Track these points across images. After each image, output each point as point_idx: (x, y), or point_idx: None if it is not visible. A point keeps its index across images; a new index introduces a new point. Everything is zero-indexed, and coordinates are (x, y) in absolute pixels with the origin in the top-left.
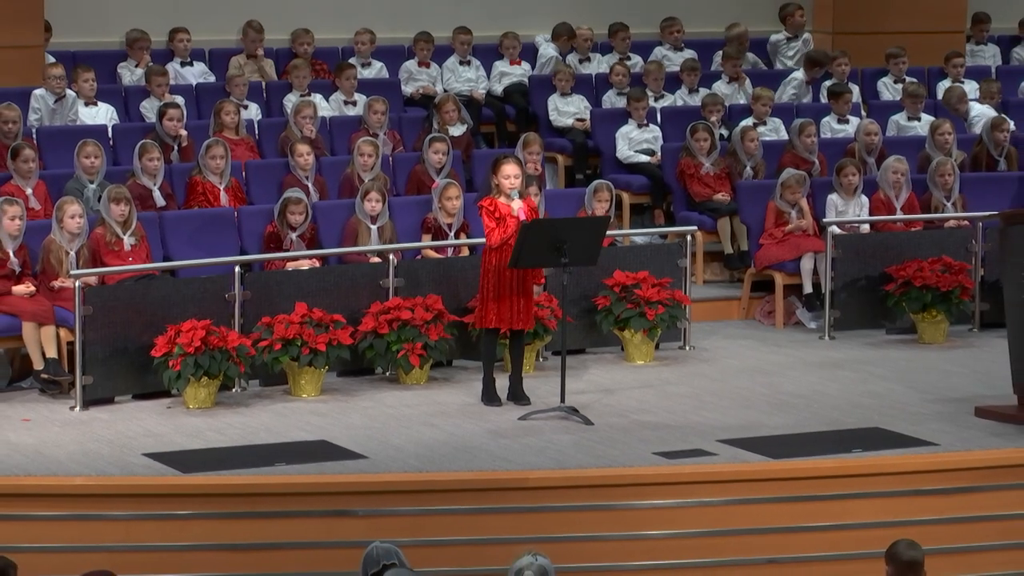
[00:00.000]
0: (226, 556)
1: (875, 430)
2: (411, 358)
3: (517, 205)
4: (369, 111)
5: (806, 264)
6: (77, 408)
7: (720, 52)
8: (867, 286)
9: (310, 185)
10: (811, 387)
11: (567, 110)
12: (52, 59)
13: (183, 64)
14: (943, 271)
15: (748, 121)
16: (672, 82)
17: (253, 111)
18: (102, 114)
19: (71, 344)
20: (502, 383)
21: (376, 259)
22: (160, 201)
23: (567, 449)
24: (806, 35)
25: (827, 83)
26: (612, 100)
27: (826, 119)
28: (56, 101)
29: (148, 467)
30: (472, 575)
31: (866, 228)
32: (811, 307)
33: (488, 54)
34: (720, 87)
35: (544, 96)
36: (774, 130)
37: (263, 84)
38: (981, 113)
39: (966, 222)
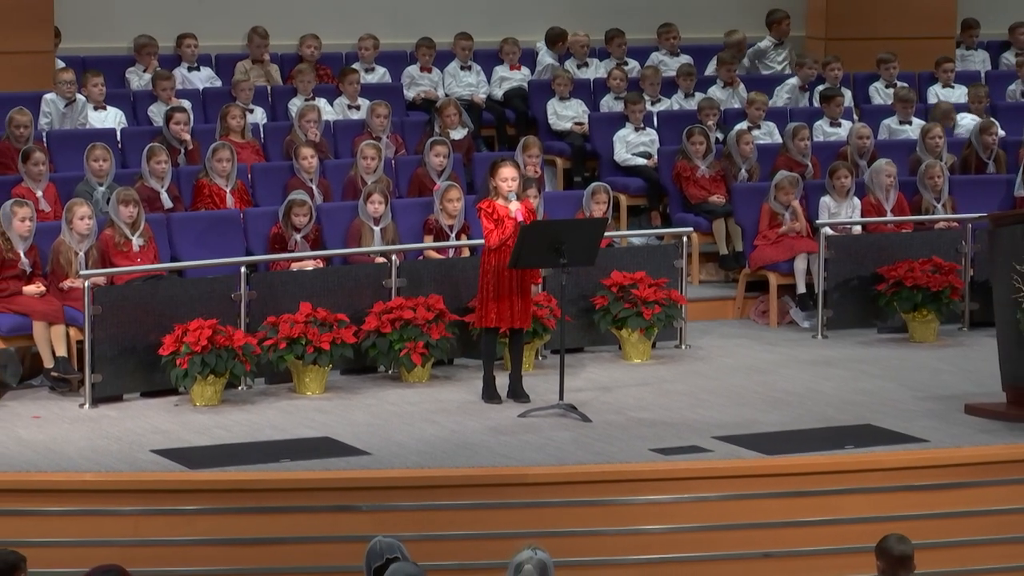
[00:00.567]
0: (233, 550)
1: (867, 427)
2: (413, 357)
3: (515, 207)
4: (372, 115)
5: (799, 265)
6: (86, 405)
7: (716, 57)
8: (859, 286)
9: (314, 187)
10: (804, 385)
11: (566, 114)
12: (62, 64)
13: (190, 69)
14: (933, 271)
15: (743, 125)
16: (668, 87)
17: (259, 115)
18: (111, 118)
19: (80, 343)
20: (502, 381)
21: (379, 260)
22: (167, 203)
23: (566, 446)
24: (790, 43)
25: (820, 88)
26: (610, 104)
27: (819, 123)
28: (66, 105)
29: (156, 463)
30: (473, 569)
31: (858, 229)
32: (804, 307)
33: (488, 59)
34: (715, 92)
35: (543, 100)
36: (768, 134)
37: (268, 89)
38: (970, 123)
39: (956, 224)
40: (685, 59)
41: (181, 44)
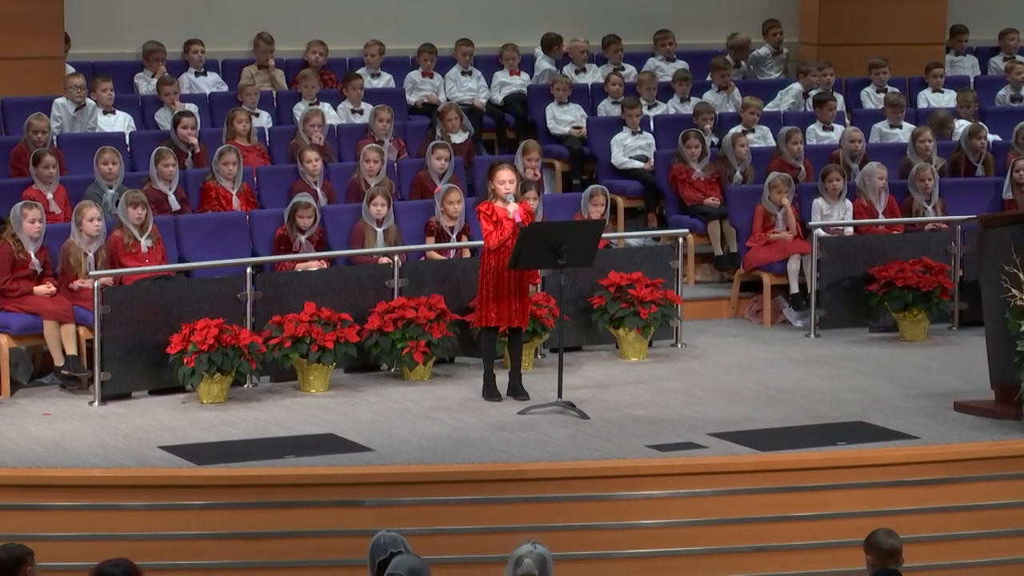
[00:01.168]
0: (239, 544)
1: (858, 424)
2: (415, 355)
3: (513, 208)
4: (375, 119)
5: (793, 265)
6: (96, 403)
7: (711, 62)
8: (851, 286)
9: (318, 190)
10: (797, 383)
11: (564, 118)
12: (72, 69)
13: (197, 74)
14: (924, 272)
15: (737, 128)
16: (664, 91)
17: (264, 119)
18: (120, 122)
19: (90, 342)
20: (502, 379)
21: (382, 260)
22: (175, 205)
23: (564, 442)
24: (786, 50)
25: (813, 92)
26: (607, 109)
27: (812, 127)
28: (76, 110)
29: (164, 459)
30: (474, 562)
31: (850, 231)
32: (797, 306)
33: (489, 65)
34: (710, 96)
35: (542, 105)
36: (762, 137)
37: (274, 93)
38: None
39: (945, 225)
40: (681, 64)
41: (188, 50)
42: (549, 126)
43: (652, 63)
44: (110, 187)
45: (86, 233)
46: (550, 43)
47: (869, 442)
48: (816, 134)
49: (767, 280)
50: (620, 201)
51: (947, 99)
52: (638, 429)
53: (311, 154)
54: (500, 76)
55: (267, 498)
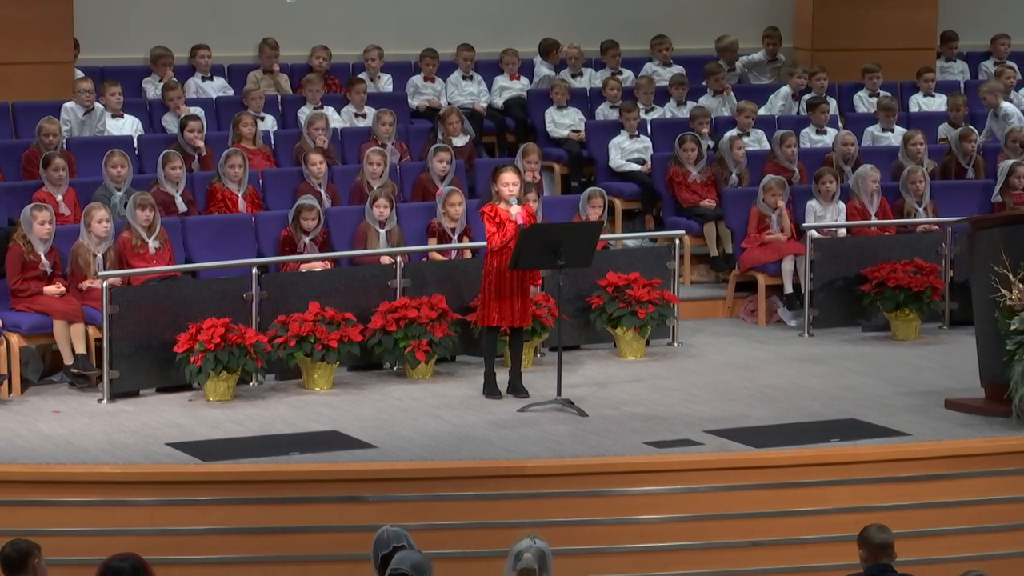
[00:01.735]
0: (245, 539)
1: (851, 421)
2: (417, 354)
3: (516, 210)
4: (378, 123)
5: (787, 266)
6: (104, 400)
7: (704, 68)
8: (844, 286)
9: (323, 192)
10: (791, 381)
11: (563, 122)
12: (81, 74)
13: (204, 79)
14: (915, 272)
15: (733, 132)
16: (661, 95)
17: (269, 123)
18: (128, 126)
19: (99, 341)
20: (502, 377)
21: (384, 261)
22: (182, 207)
23: (563, 439)
24: (783, 57)
25: (806, 96)
26: (605, 112)
27: (805, 130)
28: (85, 113)
29: (171, 456)
30: (475, 557)
31: (843, 232)
32: (791, 306)
33: (489, 69)
34: (706, 100)
35: (541, 109)
36: (756, 140)
37: (279, 97)
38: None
39: (936, 227)
40: (677, 69)
41: (195, 55)
42: (548, 129)
43: (649, 68)
44: (118, 189)
45: (95, 234)
46: (547, 49)
47: (862, 439)
48: (810, 137)
49: (762, 280)
50: (618, 203)
51: (938, 103)
52: (635, 426)
53: (315, 157)
54: (500, 81)
55: (272, 494)
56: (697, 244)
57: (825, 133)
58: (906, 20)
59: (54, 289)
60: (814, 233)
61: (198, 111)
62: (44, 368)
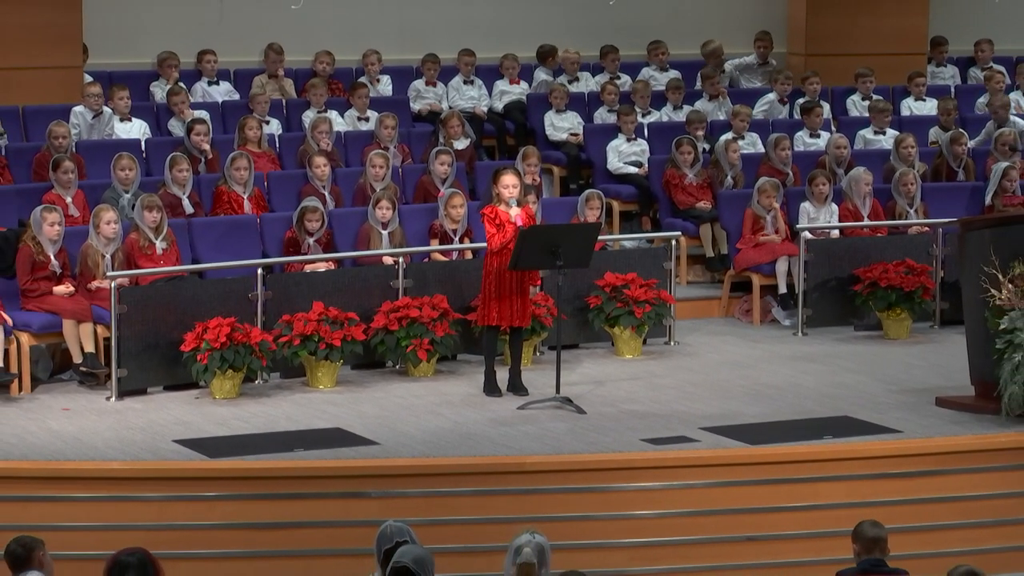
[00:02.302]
0: (250, 534)
1: (844, 418)
2: (419, 353)
3: (515, 212)
4: (380, 126)
5: (781, 266)
6: (113, 398)
7: (699, 72)
8: (837, 286)
9: (326, 194)
10: (785, 379)
11: (562, 125)
12: (90, 79)
13: (210, 83)
14: (906, 273)
15: (728, 135)
16: (658, 100)
17: (274, 126)
18: (136, 129)
19: (107, 340)
20: (502, 376)
21: (387, 262)
22: (189, 209)
23: (562, 436)
24: (774, 62)
25: (800, 100)
26: (603, 116)
27: (799, 134)
28: (94, 117)
29: (178, 452)
30: (475, 551)
31: (836, 233)
32: (785, 306)
33: (490, 74)
34: (702, 104)
35: (541, 112)
36: (751, 144)
37: (283, 101)
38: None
39: (927, 228)
40: (674, 74)
41: (202, 60)
42: (547, 133)
43: (646, 72)
44: (126, 191)
45: (103, 236)
46: (544, 54)
47: (854, 436)
48: (803, 140)
49: (756, 280)
50: (615, 205)
51: (929, 107)
52: (633, 423)
53: (319, 160)
54: (500, 85)
55: (277, 490)
56: (693, 245)
57: (818, 136)
58: (897, 26)
59: (63, 289)
60: (807, 234)
61: (204, 115)
62: (54, 366)
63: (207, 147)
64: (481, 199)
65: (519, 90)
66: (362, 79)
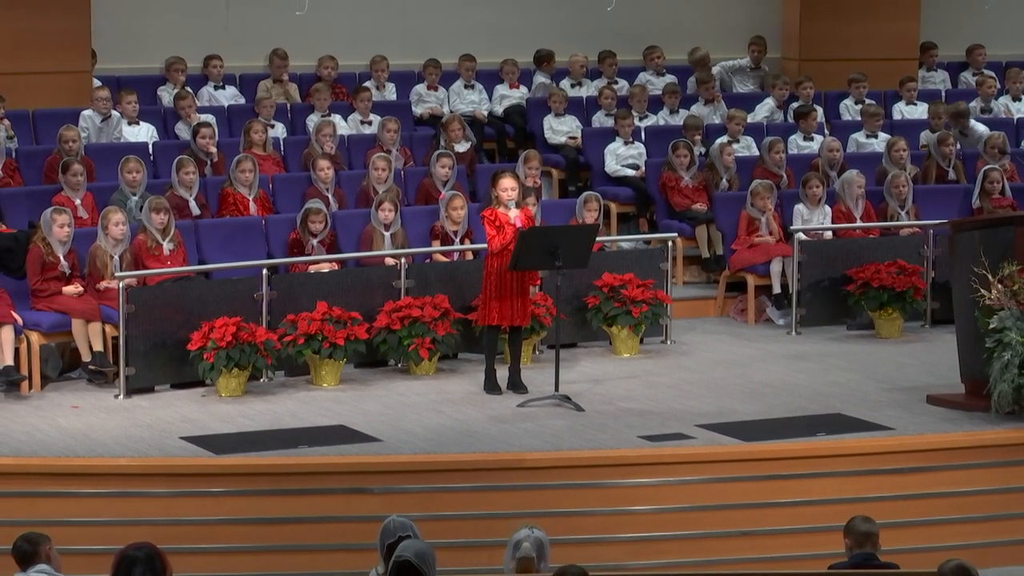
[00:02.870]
0: (256, 529)
1: (837, 416)
2: (420, 351)
3: (514, 214)
4: (383, 130)
5: (775, 267)
6: (121, 396)
7: (694, 77)
8: (830, 287)
9: (330, 196)
10: (780, 377)
11: (561, 129)
12: (98, 83)
13: (216, 88)
14: (898, 273)
15: (723, 139)
16: (655, 104)
17: (279, 130)
18: (143, 132)
19: (115, 339)
20: (502, 374)
21: (389, 262)
22: (195, 211)
23: (561, 433)
24: (766, 68)
25: (794, 105)
26: (601, 120)
27: (793, 137)
28: (102, 121)
29: (185, 449)
30: (476, 546)
31: (829, 235)
32: (780, 306)
33: (490, 78)
34: (698, 108)
35: (540, 116)
36: (746, 147)
37: (288, 106)
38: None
39: (919, 229)
40: (670, 78)
41: (208, 65)
42: (546, 136)
43: (643, 77)
44: (134, 194)
45: (112, 237)
46: (541, 59)
47: (847, 433)
48: (797, 143)
49: (751, 281)
50: (613, 207)
51: (920, 111)
52: (630, 421)
53: (323, 162)
54: (500, 89)
55: (282, 485)
56: (689, 246)
57: (812, 140)
58: (889, 31)
59: (72, 289)
60: (801, 236)
61: (210, 119)
62: (63, 365)
63: (213, 150)
64: (481, 201)
65: (519, 94)
66: (367, 84)
